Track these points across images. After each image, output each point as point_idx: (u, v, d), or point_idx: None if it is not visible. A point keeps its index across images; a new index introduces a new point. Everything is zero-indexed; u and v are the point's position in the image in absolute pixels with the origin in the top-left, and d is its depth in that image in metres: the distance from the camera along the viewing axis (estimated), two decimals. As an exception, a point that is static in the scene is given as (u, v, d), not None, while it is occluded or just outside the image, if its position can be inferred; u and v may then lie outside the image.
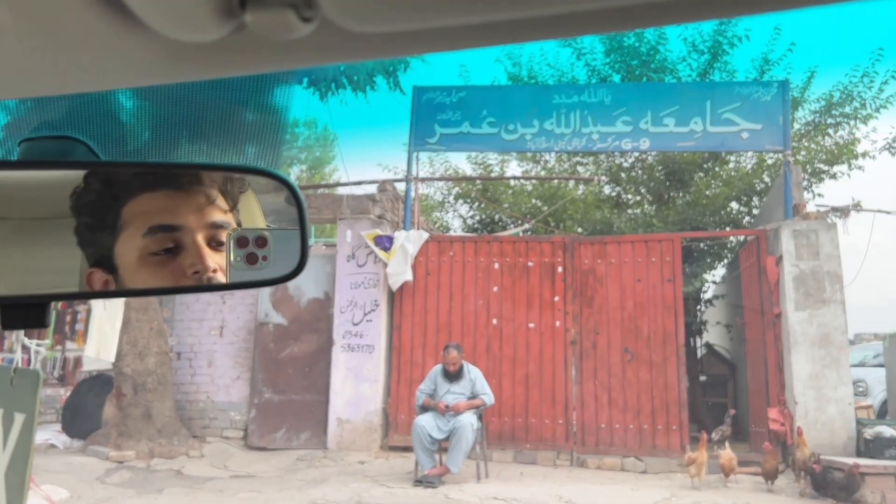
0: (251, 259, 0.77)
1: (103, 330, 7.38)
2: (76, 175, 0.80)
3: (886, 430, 7.43)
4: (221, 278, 0.80)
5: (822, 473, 6.38)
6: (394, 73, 9.39)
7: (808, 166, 11.30)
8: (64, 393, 8.41)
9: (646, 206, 12.09)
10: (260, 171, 0.83)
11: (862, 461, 6.61)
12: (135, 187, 0.81)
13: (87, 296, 0.81)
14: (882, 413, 9.74)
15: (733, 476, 7.01)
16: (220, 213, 0.82)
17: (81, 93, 0.67)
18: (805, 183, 10.67)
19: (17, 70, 0.54)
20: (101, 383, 8.50)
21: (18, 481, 0.70)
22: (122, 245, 0.80)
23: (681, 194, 11.57)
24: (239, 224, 0.83)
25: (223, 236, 0.80)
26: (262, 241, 0.77)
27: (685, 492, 6.69)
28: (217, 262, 0.80)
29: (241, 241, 0.77)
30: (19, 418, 0.72)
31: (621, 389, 8.11)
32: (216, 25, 0.45)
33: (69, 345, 8.62)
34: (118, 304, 8.05)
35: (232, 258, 0.77)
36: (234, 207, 0.83)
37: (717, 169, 11.63)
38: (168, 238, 0.79)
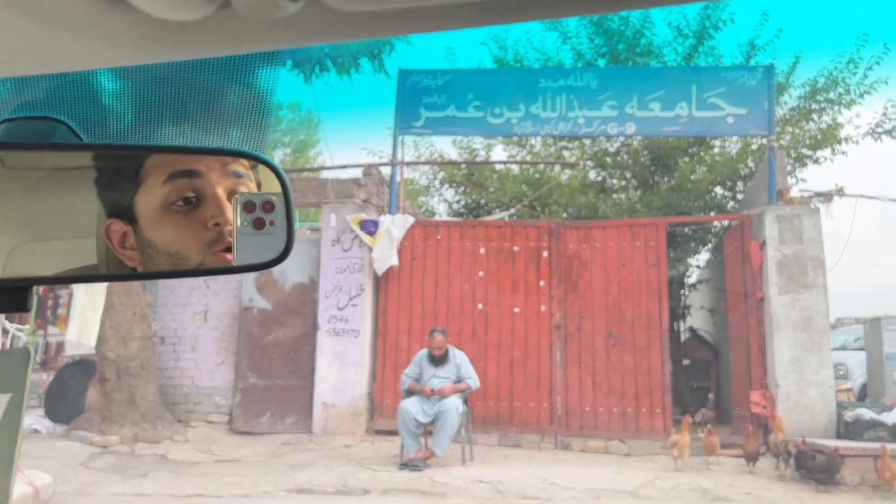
0: (258, 224, 0.76)
1: (85, 315, 7.32)
2: (58, 157, 0.79)
3: (866, 413, 7.54)
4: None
5: (804, 456, 6.47)
6: (378, 55, 9.32)
7: (792, 151, 11.36)
8: (46, 378, 8.35)
9: (631, 190, 12.12)
10: (245, 153, 0.81)
11: (842, 444, 6.71)
12: (101, 152, 0.81)
13: (68, 280, 0.80)
14: (862, 396, 9.89)
15: (715, 458, 7.10)
16: (240, 166, 0.82)
17: (64, 72, 0.65)
18: (789, 168, 10.72)
19: None
20: (83, 368, 8.45)
21: (5, 463, 0.68)
22: (143, 194, 0.79)
23: (665, 179, 11.60)
24: (259, 185, 0.83)
25: (242, 189, 0.81)
26: (269, 206, 0.77)
27: (668, 474, 6.76)
28: None
29: (248, 206, 0.77)
30: (4, 398, 0.70)
31: (605, 373, 8.17)
32: (201, 3, 0.43)
33: (51, 329, 8.55)
34: (100, 288, 7.98)
35: (239, 223, 0.76)
36: (253, 167, 0.84)
37: (702, 154, 11.67)
38: (188, 186, 0.79)
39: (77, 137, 0.78)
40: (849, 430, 7.39)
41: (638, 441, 7.86)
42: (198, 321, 8.84)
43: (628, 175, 12.25)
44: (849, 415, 7.52)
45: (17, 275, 0.77)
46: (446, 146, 13.27)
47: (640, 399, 8.07)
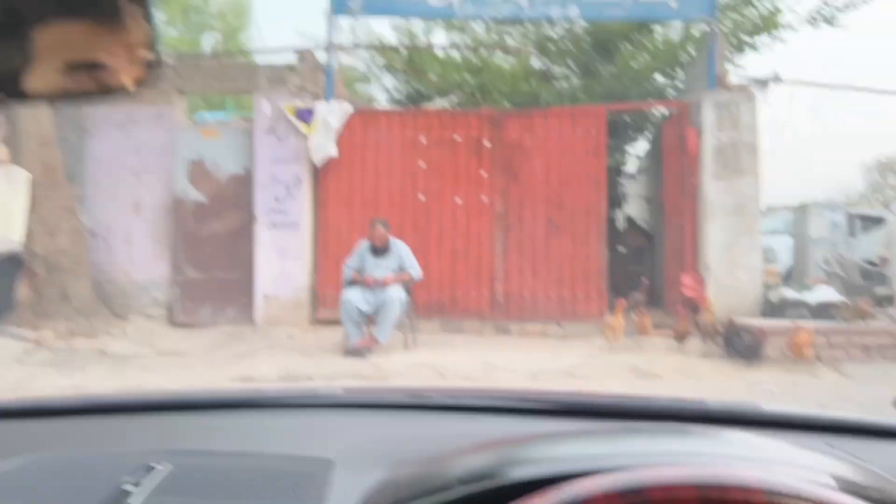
0: None
1: (8, 208, 6.98)
2: None
3: (790, 293, 7.92)
4: None
5: (731, 334, 6.80)
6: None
7: (731, 38, 11.32)
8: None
9: (573, 78, 11.97)
10: None
11: (766, 322, 7.06)
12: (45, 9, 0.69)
13: None
14: (788, 278, 10.37)
15: (648, 338, 7.40)
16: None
17: None
18: (728, 54, 10.71)
19: None
20: (11, 263, 8.13)
21: None
22: (35, 76, 0.70)
23: (607, 66, 11.48)
24: None
25: None
26: None
27: (602, 354, 7.04)
28: None
29: None
30: None
31: (545, 261, 8.31)
32: None
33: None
34: (21, 181, 7.59)
35: None
36: None
37: (643, 40, 11.53)
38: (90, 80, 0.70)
39: None
40: (773, 309, 7.77)
41: (575, 324, 8.12)
42: (129, 214, 8.55)
43: (571, 63, 12.07)
44: (773, 295, 7.88)
45: None
46: (385, 31, 12.77)
47: (577, 284, 8.28)
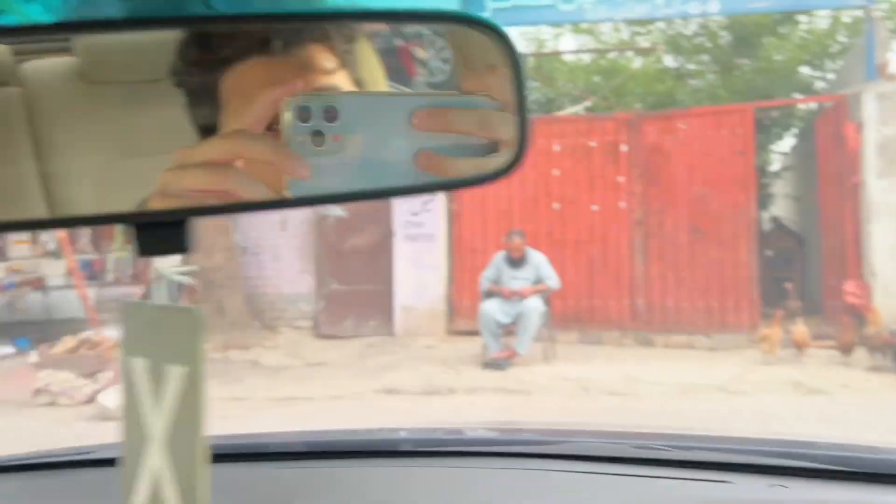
0: (317, 139, 0.56)
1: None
2: (188, 35, 0.67)
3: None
4: None
5: (902, 346, 6.23)
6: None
7: (890, 23, 10.45)
8: (138, 291, 8.68)
9: (710, 75, 11.47)
10: (457, 16, 0.62)
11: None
12: (233, 51, 0.67)
13: (224, 210, 0.64)
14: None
15: (807, 350, 6.90)
16: (322, 76, 0.66)
17: None
18: (887, 41, 9.89)
19: None
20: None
21: (189, 452, 0.54)
22: (227, 121, 0.67)
23: (748, 61, 10.90)
24: (359, 83, 0.67)
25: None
26: (330, 114, 0.56)
27: (758, 367, 6.63)
28: None
29: (303, 114, 0.56)
30: (176, 372, 0.54)
31: (689, 268, 7.96)
32: None
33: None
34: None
35: (291, 135, 0.56)
36: (343, 64, 0.67)
37: (788, 32, 10.87)
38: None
39: (212, 9, 0.64)
40: (951, 318, 7.05)
41: (724, 335, 7.71)
42: (277, 231, 8.97)
43: (706, 59, 11.58)
44: (952, 302, 7.15)
45: (172, 206, 0.60)
46: (514, 38, 12.75)
47: (726, 293, 7.87)
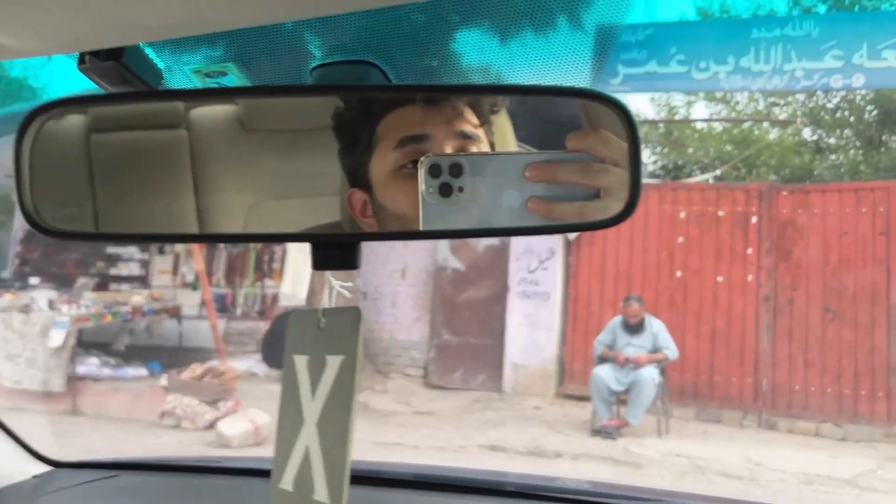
0: (444, 190, 0.69)
1: (297, 268, 7.87)
2: (304, 118, 0.80)
3: None
4: None
5: None
6: (575, 11, 9.03)
7: None
8: (263, 326, 9.12)
9: (852, 151, 10.94)
10: (584, 92, 0.74)
11: None
12: (388, 103, 0.79)
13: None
14: None
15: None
16: (469, 126, 0.77)
17: (378, 8, 0.61)
18: None
19: None
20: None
21: (338, 431, 0.68)
22: (375, 161, 0.78)
23: (895, 138, 10.34)
24: (492, 144, 0.78)
25: (473, 149, 0.77)
26: (456, 170, 0.69)
27: (893, 464, 6.11)
28: None
29: (434, 170, 0.69)
30: (336, 360, 0.70)
31: (820, 350, 7.50)
32: None
33: (267, 282, 9.30)
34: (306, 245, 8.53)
35: (423, 188, 0.69)
36: (483, 123, 0.78)
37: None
38: (417, 150, 0.76)
39: (387, 79, 0.76)
40: None
41: (856, 426, 7.16)
42: (396, 278, 9.22)
43: (849, 133, 11.07)
44: None
45: (347, 230, 0.77)
46: (643, 104, 12.71)
47: (860, 380, 7.33)
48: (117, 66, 0.72)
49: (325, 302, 0.79)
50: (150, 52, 0.77)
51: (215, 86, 0.83)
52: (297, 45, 0.75)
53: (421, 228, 0.71)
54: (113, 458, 1.50)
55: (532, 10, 0.71)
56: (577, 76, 0.82)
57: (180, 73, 0.81)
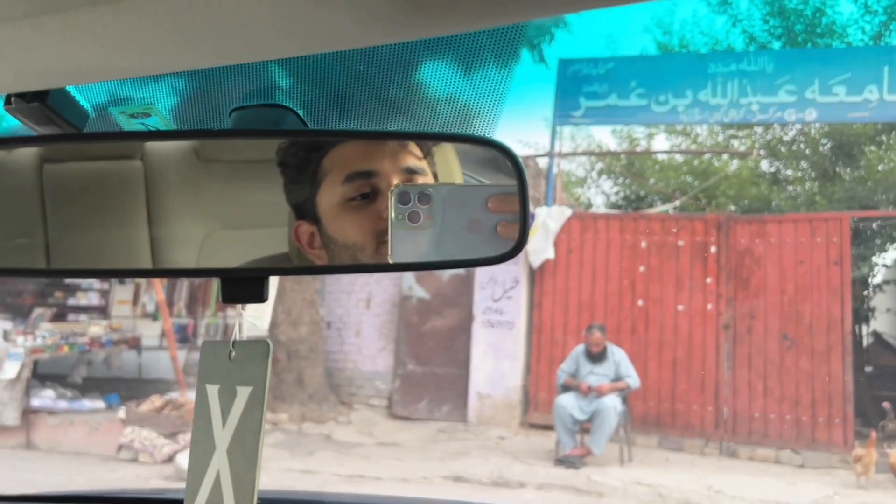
0: (413, 217, 0.73)
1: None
2: (252, 148, 0.83)
3: None
4: None
5: None
6: (538, 45, 9.21)
7: None
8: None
9: (808, 182, 11.25)
10: (478, 139, 0.78)
11: None
12: (332, 142, 0.82)
13: (303, 271, 0.82)
14: None
15: (907, 478, 6.42)
16: (413, 159, 0.81)
17: (297, 56, 0.64)
18: None
19: (241, 34, 0.51)
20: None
21: (246, 457, 0.70)
22: (322, 194, 0.81)
23: (848, 170, 10.65)
24: (435, 175, 0.82)
25: (419, 181, 0.80)
26: (424, 198, 0.73)
27: (849, 490, 6.21)
28: None
29: (403, 198, 0.73)
30: (243, 392, 0.73)
31: (778, 378, 7.62)
32: None
33: (230, 312, 9.21)
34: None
35: (394, 215, 0.73)
36: (426, 155, 0.82)
37: (891, 141, 10.60)
38: (365, 184, 0.80)
39: (303, 124, 0.78)
40: None
41: (814, 452, 7.27)
42: (361, 308, 9.19)
43: (805, 165, 11.38)
44: None
45: (255, 265, 0.79)
46: (605, 136, 12.96)
47: (818, 407, 7.46)
48: (42, 107, 0.74)
49: (236, 335, 0.81)
50: (75, 93, 0.78)
51: (140, 127, 0.85)
52: (217, 89, 0.78)
53: (390, 256, 0.74)
54: (50, 492, 1.49)
55: (431, 53, 0.76)
56: (538, 109, 0.85)
57: (106, 114, 0.82)
